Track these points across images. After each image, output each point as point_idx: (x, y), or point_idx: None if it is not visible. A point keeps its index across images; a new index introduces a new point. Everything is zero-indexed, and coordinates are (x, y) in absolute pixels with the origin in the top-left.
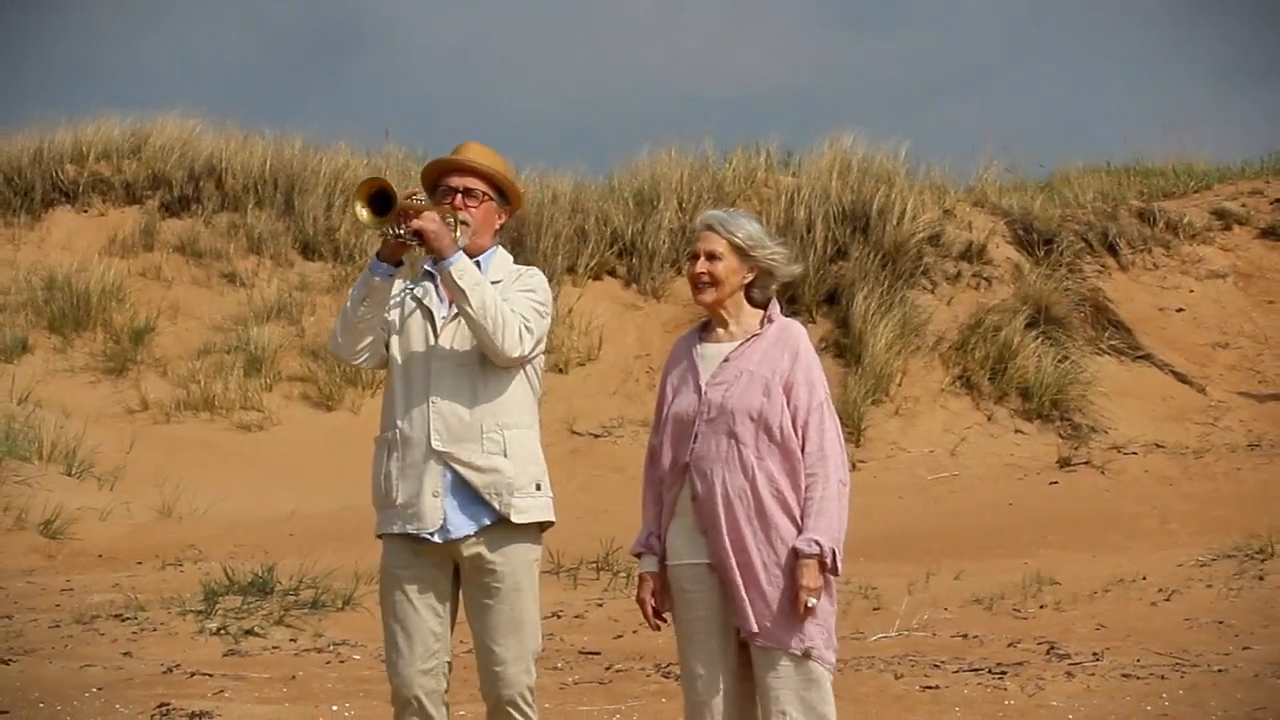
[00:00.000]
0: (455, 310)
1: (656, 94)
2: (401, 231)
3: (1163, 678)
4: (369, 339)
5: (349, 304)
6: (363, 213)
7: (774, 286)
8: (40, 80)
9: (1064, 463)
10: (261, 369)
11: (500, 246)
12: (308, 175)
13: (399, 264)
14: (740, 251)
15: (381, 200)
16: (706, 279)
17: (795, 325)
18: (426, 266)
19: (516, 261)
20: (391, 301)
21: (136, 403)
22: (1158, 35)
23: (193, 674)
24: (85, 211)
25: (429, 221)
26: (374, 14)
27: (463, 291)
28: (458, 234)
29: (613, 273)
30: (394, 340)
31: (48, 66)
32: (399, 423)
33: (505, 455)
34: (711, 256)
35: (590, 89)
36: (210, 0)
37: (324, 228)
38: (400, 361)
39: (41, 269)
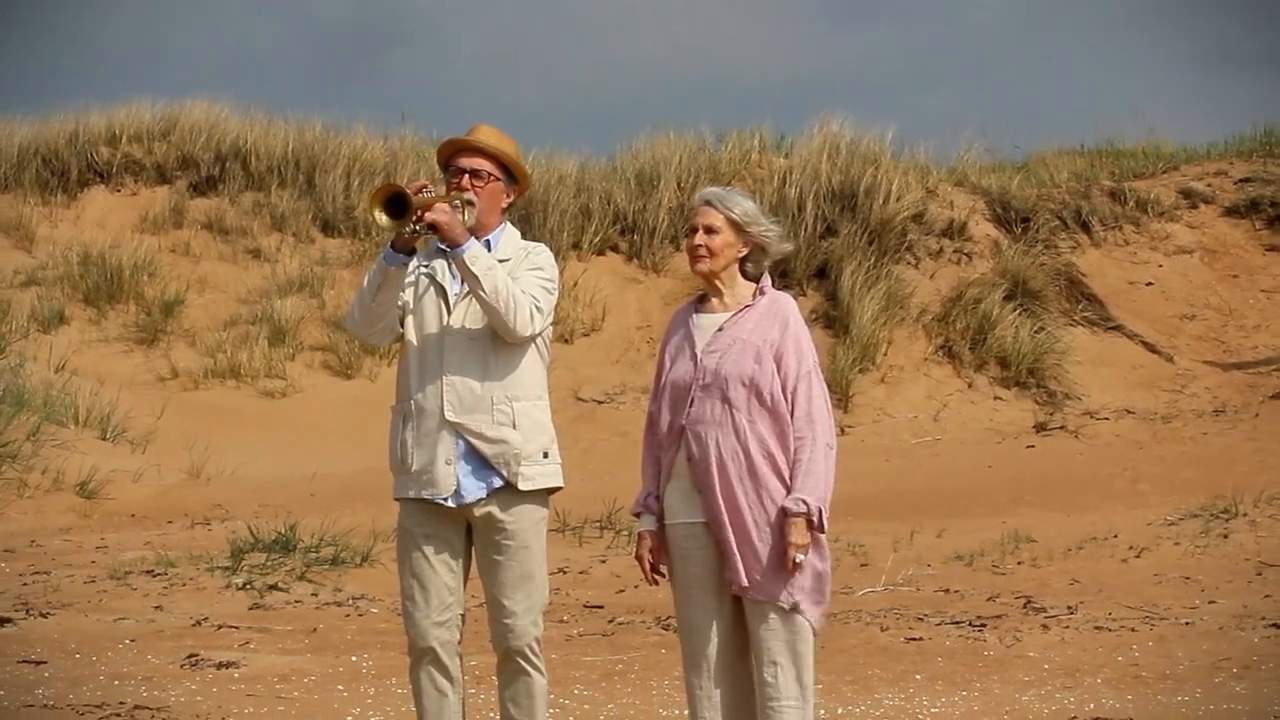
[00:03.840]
0: (467, 288)
1: (656, 81)
2: (418, 228)
3: (1133, 630)
4: (385, 319)
5: (365, 289)
6: (382, 218)
7: (766, 262)
8: (76, 67)
9: (1040, 427)
10: (284, 339)
11: (509, 224)
12: (328, 157)
13: (413, 251)
14: (736, 227)
15: (396, 203)
16: (704, 251)
17: (785, 298)
18: (438, 245)
19: (525, 238)
20: (406, 280)
21: (167, 371)
22: (1129, 27)
23: (220, 626)
24: (118, 191)
25: (441, 214)
26: (406, 11)
27: (476, 277)
28: (465, 215)
29: (615, 248)
30: (409, 317)
31: (83, 53)
32: (414, 394)
33: (514, 426)
34: (709, 230)
35: (594, 77)
36: None
37: (343, 206)
38: (415, 337)
39: (77, 245)
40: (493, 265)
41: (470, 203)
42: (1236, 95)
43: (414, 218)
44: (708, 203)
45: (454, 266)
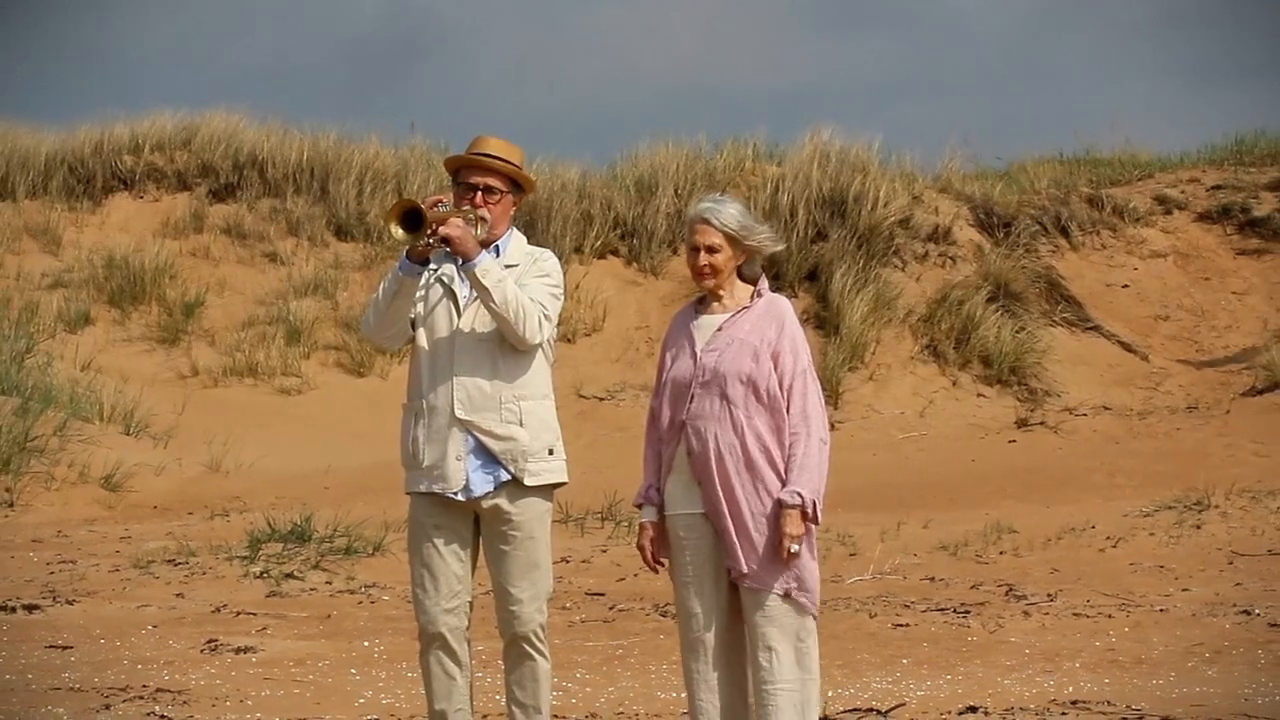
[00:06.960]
0: (477, 294)
1: (655, 92)
2: (431, 241)
3: (1110, 616)
4: (399, 324)
5: (380, 297)
6: (397, 232)
7: (760, 263)
8: (101, 78)
9: (1021, 423)
10: (300, 339)
11: (515, 229)
12: (341, 165)
13: (427, 261)
14: (734, 240)
15: (411, 217)
16: (708, 269)
17: (781, 300)
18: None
19: (529, 243)
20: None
21: (187, 369)
22: (1106, 41)
23: (238, 613)
24: (141, 197)
25: (454, 228)
26: (424, 26)
27: (487, 289)
28: (477, 230)
29: (615, 252)
30: (420, 320)
31: (109, 66)
32: (425, 393)
33: (521, 424)
34: (711, 250)
35: (595, 87)
36: (281, 10)
37: (356, 212)
38: (426, 339)
39: (102, 249)
40: (503, 277)
41: (483, 218)
42: (1209, 107)
43: (428, 231)
44: (705, 221)
45: (463, 270)
